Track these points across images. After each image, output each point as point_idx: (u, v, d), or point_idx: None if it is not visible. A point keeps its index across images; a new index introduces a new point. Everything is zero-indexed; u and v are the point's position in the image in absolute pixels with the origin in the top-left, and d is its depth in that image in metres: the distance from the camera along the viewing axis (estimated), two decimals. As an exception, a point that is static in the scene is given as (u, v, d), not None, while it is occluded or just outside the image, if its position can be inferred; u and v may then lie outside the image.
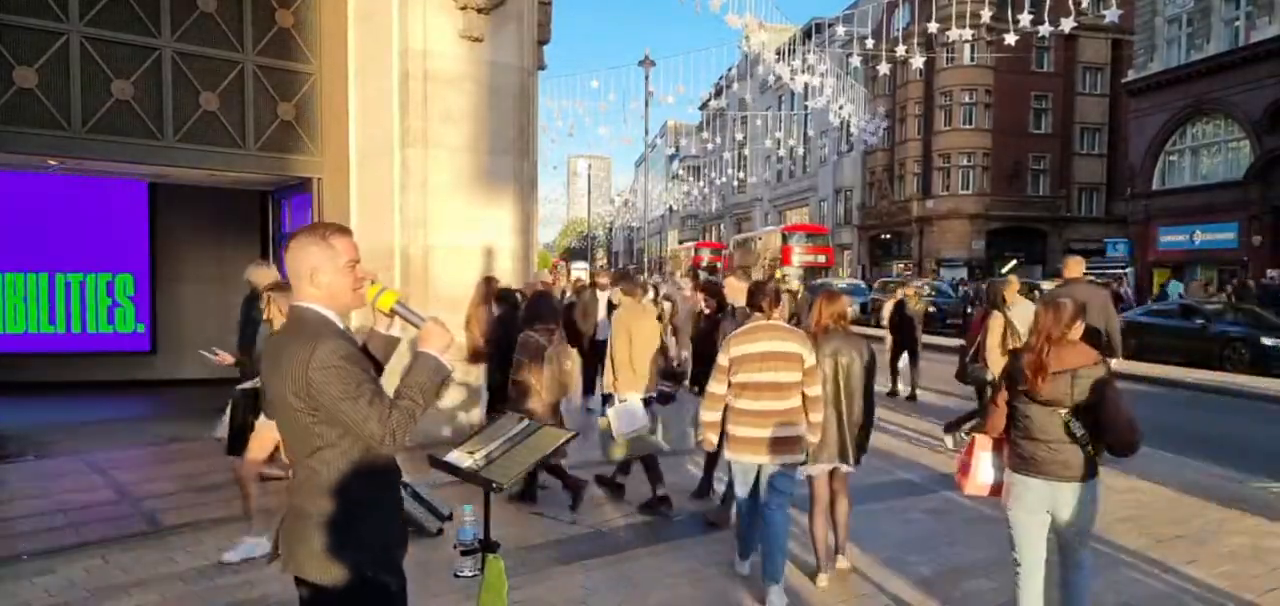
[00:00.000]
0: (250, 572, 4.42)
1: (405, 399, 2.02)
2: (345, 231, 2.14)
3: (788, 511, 4.29)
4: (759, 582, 4.43)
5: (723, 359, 4.28)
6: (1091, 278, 10.61)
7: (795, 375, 4.19)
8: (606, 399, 5.87)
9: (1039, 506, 3.38)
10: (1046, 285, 21.13)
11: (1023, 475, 3.39)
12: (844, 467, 4.53)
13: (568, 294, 10.67)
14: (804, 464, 4.36)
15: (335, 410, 1.96)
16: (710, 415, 4.34)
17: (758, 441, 4.16)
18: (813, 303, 4.80)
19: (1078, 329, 3.35)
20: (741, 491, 4.39)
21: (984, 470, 3.61)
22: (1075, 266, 7.35)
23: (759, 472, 4.25)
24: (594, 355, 9.19)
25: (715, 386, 4.29)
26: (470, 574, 4.17)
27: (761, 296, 4.45)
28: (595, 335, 9.06)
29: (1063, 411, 3.28)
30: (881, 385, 11.30)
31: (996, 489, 3.58)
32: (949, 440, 7.66)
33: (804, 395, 4.22)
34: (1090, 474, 3.33)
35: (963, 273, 33.87)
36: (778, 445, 4.15)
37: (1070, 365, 3.28)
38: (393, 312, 2.23)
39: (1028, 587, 3.44)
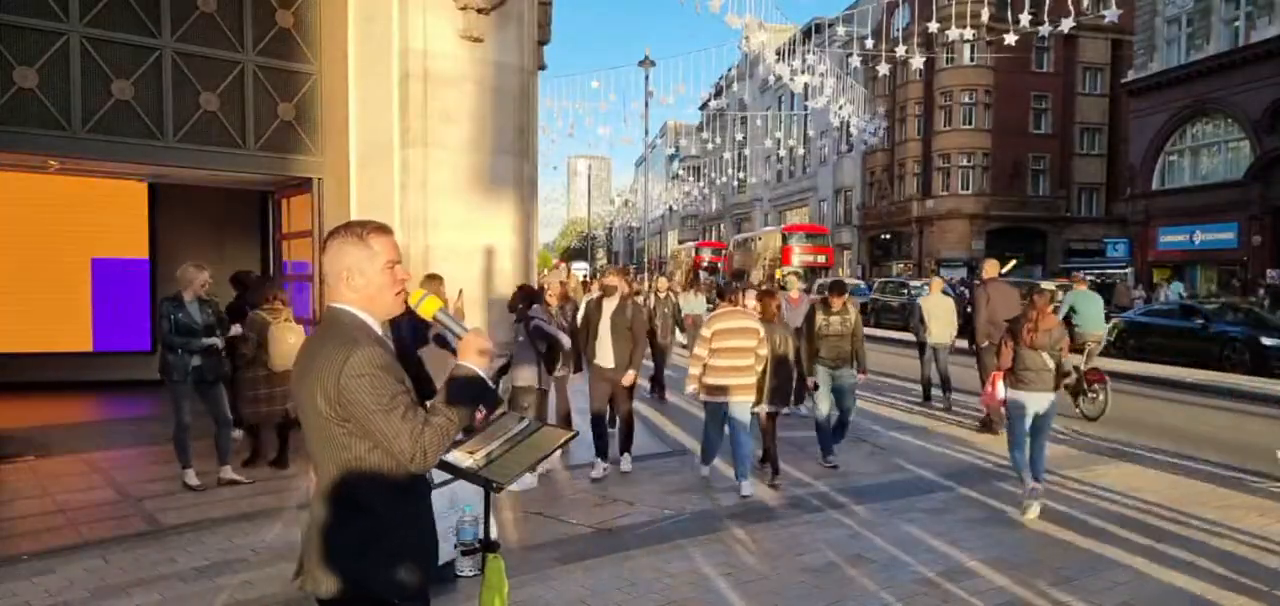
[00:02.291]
0: (250, 573, 4.42)
1: (439, 415, 1.90)
2: (385, 230, 2.02)
3: (749, 433, 6.26)
4: (759, 586, 4.44)
5: (706, 332, 6.31)
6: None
7: (752, 342, 6.22)
8: None
9: (1027, 409, 5.75)
10: (1049, 285, 21.16)
11: (1019, 391, 5.77)
12: (782, 409, 6.77)
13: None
14: (757, 404, 6.37)
15: (366, 421, 1.84)
16: (696, 369, 6.33)
17: (726, 387, 6.19)
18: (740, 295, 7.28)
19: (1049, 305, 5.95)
20: (713, 424, 6.39)
21: (1001, 391, 5.96)
22: (992, 267, 9.04)
23: (727, 409, 6.22)
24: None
25: (699, 350, 6.32)
26: (470, 573, 4.19)
27: (731, 293, 7.09)
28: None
29: (1044, 353, 5.67)
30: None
31: (1002, 402, 6.00)
32: None
33: (757, 355, 6.22)
34: (1054, 388, 5.76)
35: (963, 272, 33.87)
36: (738, 389, 6.17)
37: (1048, 327, 5.73)
38: (434, 320, 2.11)
39: (1016, 452, 5.83)
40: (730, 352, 6.17)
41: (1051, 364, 5.67)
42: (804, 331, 7.41)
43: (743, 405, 6.22)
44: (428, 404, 1.98)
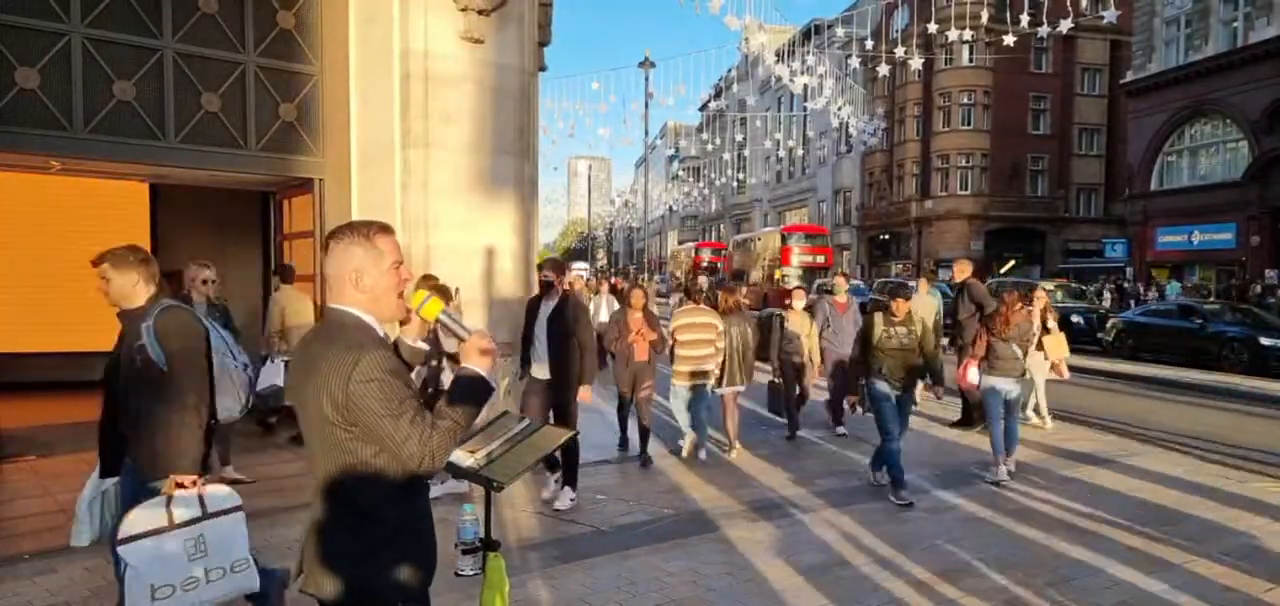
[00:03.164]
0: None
1: (446, 418, 1.91)
2: (389, 231, 2.02)
3: (704, 408, 7.41)
4: (758, 585, 4.46)
5: (669, 327, 7.47)
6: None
7: (711, 335, 7.28)
8: None
9: (999, 390, 6.71)
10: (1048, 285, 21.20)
11: (992, 375, 6.75)
12: (737, 388, 7.56)
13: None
14: (715, 386, 7.40)
15: (375, 427, 1.84)
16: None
17: (691, 372, 7.24)
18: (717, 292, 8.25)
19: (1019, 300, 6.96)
20: (681, 403, 7.31)
21: (973, 374, 6.94)
22: (964, 268, 9.48)
23: (694, 389, 7.26)
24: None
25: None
26: (471, 572, 4.18)
27: (696, 293, 8.14)
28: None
29: (1013, 344, 6.68)
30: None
31: (974, 385, 7.02)
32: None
33: (715, 346, 7.28)
34: (1022, 373, 6.84)
35: (962, 273, 33.87)
36: (701, 373, 7.26)
37: (1018, 320, 6.76)
38: (438, 322, 2.10)
39: (994, 425, 6.74)
40: (691, 344, 7.27)
41: (1020, 353, 6.77)
42: (859, 343, 6.75)
43: (703, 387, 7.33)
44: (434, 407, 1.97)
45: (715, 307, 7.64)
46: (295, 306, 7.53)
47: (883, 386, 6.29)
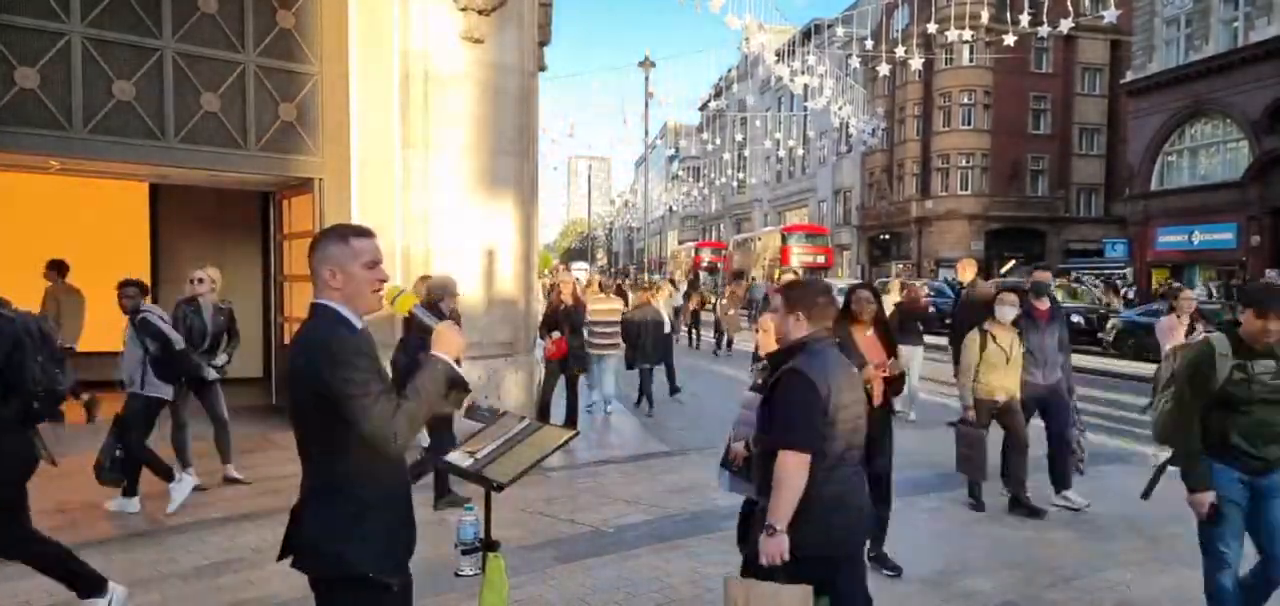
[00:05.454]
0: (252, 571, 4.44)
1: (410, 401, 2.04)
2: (366, 233, 2.18)
3: (614, 379, 9.66)
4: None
5: (587, 316, 8.85)
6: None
7: (615, 319, 9.38)
8: None
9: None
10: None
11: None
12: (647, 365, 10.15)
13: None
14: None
15: (341, 406, 1.97)
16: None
17: (599, 347, 9.11)
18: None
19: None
20: (597, 373, 9.35)
21: None
22: (969, 268, 9.52)
23: (600, 362, 9.30)
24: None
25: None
26: (471, 573, 4.19)
27: (610, 288, 10.87)
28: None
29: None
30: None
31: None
32: None
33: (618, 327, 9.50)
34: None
35: (963, 273, 33.79)
36: (609, 352, 9.34)
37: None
38: (410, 315, 2.27)
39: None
40: (601, 328, 9.08)
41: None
42: (1188, 384, 3.42)
43: (608, 362, 9.37)
44: (402, 390, 2.11)
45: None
46: (68, 301, 8.11)
47: (1229, 472, 3.42)
